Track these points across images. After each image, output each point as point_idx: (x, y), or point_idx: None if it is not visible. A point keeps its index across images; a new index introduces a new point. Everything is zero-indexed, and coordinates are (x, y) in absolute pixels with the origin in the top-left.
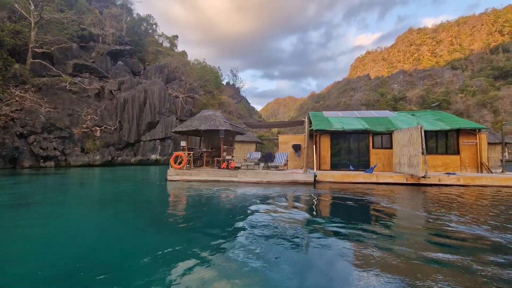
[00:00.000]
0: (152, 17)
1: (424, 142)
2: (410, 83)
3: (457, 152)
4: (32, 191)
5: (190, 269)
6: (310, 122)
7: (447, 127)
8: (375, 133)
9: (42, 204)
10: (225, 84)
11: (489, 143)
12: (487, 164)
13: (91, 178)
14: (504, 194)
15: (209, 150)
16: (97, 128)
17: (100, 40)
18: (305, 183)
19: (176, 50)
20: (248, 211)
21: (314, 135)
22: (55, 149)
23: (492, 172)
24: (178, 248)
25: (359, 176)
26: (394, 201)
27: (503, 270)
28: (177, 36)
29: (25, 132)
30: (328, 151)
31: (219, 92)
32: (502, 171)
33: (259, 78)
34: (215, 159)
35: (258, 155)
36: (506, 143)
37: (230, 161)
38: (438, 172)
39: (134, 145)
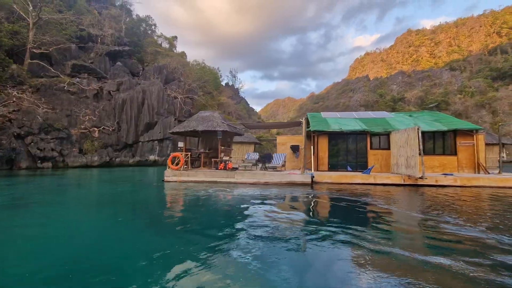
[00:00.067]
0: (151, 18)
1: (421, 143)
2: (409, 84)
3: (454, 153)
4: (29, 192)
5: (187, 270)
6: (308, 123)
7: (444, 128)
8: (373, 134)
9: (40, 204)
10: (224, 85)
11: (487, 144)
12: (484, 165)
13: (89, 179)
14: (500, 195)
15: (207, 151)
16: (95, 129)
17: (99, 40)
18: (303, 184)
19: (175, 51)
20: (245, 212)
21: (312, 136)
22: (52, 150)
23: (489, 173)
24: (175, 249)
25: (357, 177)
26: (391, 202)
27: (498, 272)
28: (176, 37)
29: (22, 133)
30: (326, 152)
31: (218, 93)
32: (499, 172)
33: (259, 79)
34: (213, 160)
35: (256, 156)
36: (503, 144)
37: (227, 162)
38: (435, 173)
39: (132, 146)
